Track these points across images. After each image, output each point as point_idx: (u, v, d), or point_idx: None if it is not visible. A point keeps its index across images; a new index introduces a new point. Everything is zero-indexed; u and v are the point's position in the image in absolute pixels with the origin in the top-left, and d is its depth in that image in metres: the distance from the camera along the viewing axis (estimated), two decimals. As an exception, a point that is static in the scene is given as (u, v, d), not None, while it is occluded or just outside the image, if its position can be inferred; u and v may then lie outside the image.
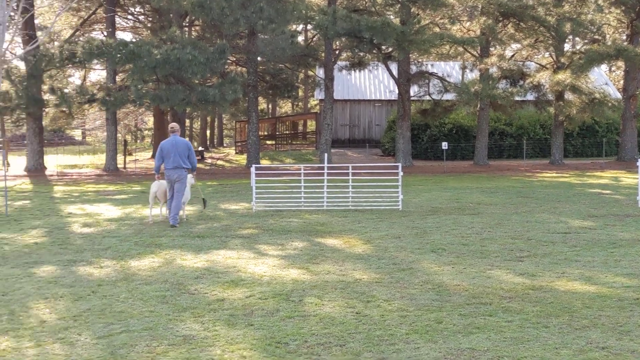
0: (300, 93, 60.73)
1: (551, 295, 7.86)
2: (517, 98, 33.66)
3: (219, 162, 40.54)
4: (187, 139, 38.29)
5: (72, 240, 11.94)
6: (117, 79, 36.20)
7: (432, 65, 39.80)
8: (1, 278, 9.06)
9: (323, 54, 34.83)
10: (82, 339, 6.46)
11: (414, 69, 35.16)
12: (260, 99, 43.58)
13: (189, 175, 14.45)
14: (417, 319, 6.95)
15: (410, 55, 34.80)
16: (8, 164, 24.13)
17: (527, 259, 10.00)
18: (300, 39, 45.83)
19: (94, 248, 11.19)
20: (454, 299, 7.71)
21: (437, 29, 34.93)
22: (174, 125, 14.35)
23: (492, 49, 35.65)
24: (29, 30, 31.67)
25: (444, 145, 31.53)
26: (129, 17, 44.45)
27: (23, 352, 6.09)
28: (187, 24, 38.09)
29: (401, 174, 16.20)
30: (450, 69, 48.15)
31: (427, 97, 35.70)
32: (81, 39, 35.96)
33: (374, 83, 49.54)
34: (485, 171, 31.03)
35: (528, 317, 7.02)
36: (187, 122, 58.31)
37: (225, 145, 65.18)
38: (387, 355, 5.90)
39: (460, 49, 39.69)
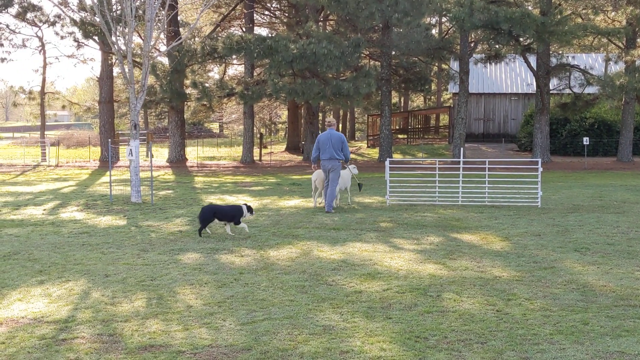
0: (433, 87, 60.09)
1: None
2: (665, 91, 31.85)
3: (352, 156, 40.82)
4: (319, 132, 38.82)
5: (214, 230, 12.36)
6: (255, 73, 37.17)
7: (573, 57, 38.30)
8: (149, 264, 9.52)
9: (458, 47, 34.31)
10: (226, 324, 6.68)
11: (553, 61, 33.99)
12: (393, 92, 43.51)
13: (351, 166, 16.10)
14: (562, 319, 6.72)
15: (550, 47, 33.71)
16: (152, 155, 25.36)
17: (679, 261, 9.45)
18: (435, 31, 45.30)
19: (234, 237, 11.54)
20: (600, 300, 7.40)
21: (579, 20, 33.62)
22: (331, 119, 15.81)
23: (639, 40, 33.88)
24: (173, 27, 33.07)
25: (585, 140, 30.28)
26: (266, 12, 45.51)
27: (172, 335, 6.37)
28: (322, 19, 38.55)
29: (540, 169, 15.72)
30: (593, 61, 46.15)
31: (568, 91, 34.45)
32: (221, 34, 37.18)
33: (510, 76, 48.28)
34: (630, 168, 29.57)
35: (682, 322, 6.64)
36: (320, 115, 59.08)
37: (356, 139, 65.51)
38: (531, 355, 5.74)
39: (604, 40, 38.01)
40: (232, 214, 11.71)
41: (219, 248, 10.56)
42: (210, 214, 11.62)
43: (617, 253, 10.01)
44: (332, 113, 59.59)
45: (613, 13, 35.94)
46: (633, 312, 6.94)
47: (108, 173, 20.67)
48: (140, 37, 30.75)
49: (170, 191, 20.17)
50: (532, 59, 34.17)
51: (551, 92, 34.43)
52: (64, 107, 49.68)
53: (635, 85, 29.35)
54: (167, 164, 34.04)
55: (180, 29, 35.77)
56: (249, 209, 11.91)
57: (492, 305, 7.26)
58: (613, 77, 30.74)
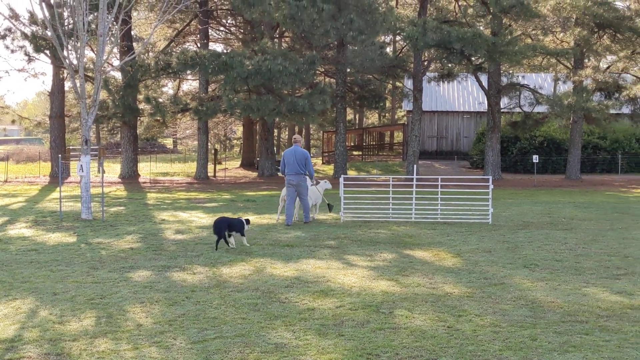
0: (388, 104, 60.59)
1: (651, 315, 7.58)
2: (612, 111, 32.66)
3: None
4: (275, 148, 38.59)
5: (166, 247, 12.26)
6: (210, 89, 37.03)
7: (523, 76, 39.04)
8: (99, 282, 9.39)
9: (412, 65, 34.69)
10: (177, 343, 6.62)
11: (504, 80, 34.60)
12: (347, 109, 43.74)
13: (323, 181, 17.29)
14: (511, 335, 6.82)
15: (501, 66, 34.29)
16: (103, 171, 25.02)
17: (624, 277, 9.68)
18: (389, 49, 45.77)
19: (186, 254, 11.46)
20: (548, 316, 7.53)
21: (529, 40, 34.31)
22: (296, 137, 16.53)
23: (586, 60, 34.71)
24: (127, 42, 32.78)
25: (535, 158, 30.84)
26: (222, 28, 45.42)
27: (121, 355, 6.29)
28: (277, 36, 38.63)
29: (491, 186, 15.96)
30: (542, 81, 47.09)
31: (518, 109, 35.07)
32: (176, 50, 37.01)
33: (462, 94, 49.00)
34: (578, 185, 30.19)
35: (627, 337, 6.79)
36: (275, 131, 59.04)
37: (312, 155, 65.62)
38: (480, 372, 5.81)
39: (553, 60, 38.79)
40: (240, 226, 12.43)
41: (170, 266, 10.47)
42: (225, 225, 12.18)
43: (565, 269, 10.20)
44: (287, 129, 59.65)
45: (562, 34, 36.79)
46: (580, 328, 7.08)
47: (58, 189, 20.33)
48: (93, 52, 30.42)
49: (121, 207, 19.93)
50: (484, 78, 34.74)
51: (502, 110, 35.02)
52: (13, 121, 48.69)
53: (583, 104, 30.00)
54: (119, 179, 33.62)
55: (134, 44, 35.49)
56: (247, 221, 12.70)
57: (443, 321, 7.33)
58: (561, 97, 31.40)
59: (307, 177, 15.81)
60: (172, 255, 11.42)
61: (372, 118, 76.68)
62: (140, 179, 34.11)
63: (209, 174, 35.86)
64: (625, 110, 34.84)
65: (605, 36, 33.67)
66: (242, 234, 12.41)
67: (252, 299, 8.30)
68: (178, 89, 45.46)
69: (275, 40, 37.61)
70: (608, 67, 37.50)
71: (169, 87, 53.07)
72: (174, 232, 14.35)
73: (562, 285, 9.12)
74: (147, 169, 39.36)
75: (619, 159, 36.26)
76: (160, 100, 33.45)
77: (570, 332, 6.96)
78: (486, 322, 7.29)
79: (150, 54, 35.94)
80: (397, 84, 46.70)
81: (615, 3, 36.75)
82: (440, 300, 8.24)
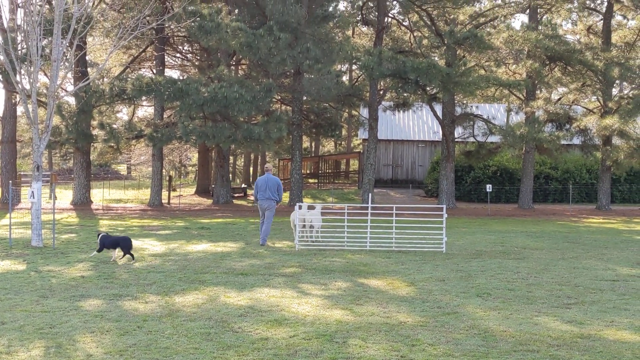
0: (344, 132, 60.97)
1: (600, 344, 7.69)
2: (563, 142, 33.34)
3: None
4: (230, 176, 38.40)
5: (118, 275, 12.07)
6: (165, 115, 36.84)
7: (477, 107, 39.69)
8: (49, 311, 9.18)
9: (368, 94, 35.02)
10: (127, 374, 6.50)
11: (458, 110, 35.15)
12: (304, 137, 43.91)
13: (319, 205, 18.41)
14: (463, 365, 6.84)
15: (455, 96, 34.83)
16: (55, 197, 24.61)
17: (574, 306, 9.81)
18: (346, 78, 46.17)
19: (139, 283, 11.29)
20: (500, 345, 7.58)
21: (482, 71, 34.95)
22: (268, 165, 18.13)
23: (538, 92, 35.47)
24: (81, 67, 32.50)
25: (488, 187, 31.27)
26: (178, 55, 45.38)
27: (70, 385, 6.14)
28: (234, 63, 38.70)
29: (445, 215, 16.10)
30: (495, 111, 47.95)
31: (472, 139, 35.60)
32: (131, 76, 36.78)
33: (417, 124, 49.55)
34: (530, 215, 30.65)
35: (577, 366, 6.87)
36: (231, 158, 58.88)
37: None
38: (433, 401, 5.81)
39: (506, 91, 39.61)
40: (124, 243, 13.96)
41: (122, 294, 10.30)
42: (109, 242, 13.93)
43: (517, 298, 10.30)
44: (243, 157, 59.48)
45: (514, 66, 37.58)
46: (531, 357, 7.15)
47: (8, 215, 19.91)
48: (46, 77, 30.05)
49: (73, 234, 19.59)
50: (438, 108, 35.22)
51: (456, 140, 35.52)
52: (-37, 146, 47.70)
53: (535, 135, 30.58)
54: (71, 206, 33.11)
55: (89, 69, 35.19)
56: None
57: (396, 350, 7.33)
58: (514, 127, 31.97)
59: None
60: (124, 283, 11.24)
61: (328, 146, 77.05)
62: (93, 206, 33.63)
63: (163, 201, 35.54)
64: (576, 141, 35.60)
65: (556, 68, 34.50)
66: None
67: (205, 329, 8.20)
68: (133, 115, 45.14)
69: (232, 67, 37.68)
70: (559, 99, 38.43)
71: (123, 113, 52.76)
72: (126, 260, 14.14)
73: (514, 314, 9.20)
74: (100, 195, 38.83)
75: (570, 189, 36.98)
76: (115, 126, 33.17)
77: (521, 361, 7.01)
78: (439, 352, 7.31)
79: (105, 79, 35.70)
80: (353, 112, 47.10)
81: (566, 37, 37.81)
82: (394, 330, 8.24)
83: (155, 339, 7.71)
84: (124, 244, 13.93)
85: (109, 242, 14.01)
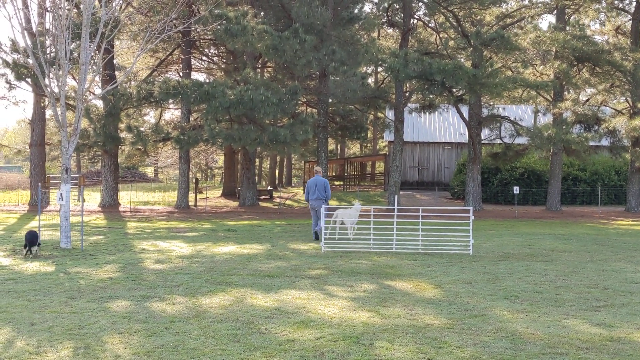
0: (370, 134, 60.89)
1: (630, 347, 7.60)
2: (591, 143, 32.99)
3: (288, 202, 40.83)
4: (256, 178, 38.46)
5: (145, 276, 12.16)
6: (191, 118, 37.04)
7: (503, 108, 39.40)
8: (77, 312, 9.27)
9: (393, 96, 34.93)
10: (155, 374, 6.54)
11: (485, 112, 34.92)
12: (329, 139, 43.93)
13: (357, 202, 19.82)
14: (491, 368, 6.80)
15: (482, 98, 34.60)
16: (83, 199, 24.85)
17: (603, 309, 9.71)
18: (371, 80, 46.11)
19: (166, 284, 11.36)
20: (528, 348, 7.52)
21: (509, 73, 34.68)
22: (317, 168, 19.55)
23: (566, 93, 35.14)
24: (109, 71, 32.80)
25: (515, 189, 31.02)
26: (204, 58, 45.61)
27: (98, 386, 6.20)
28: (260, 66, 38.82)
29: (472, 217, 16.00)
30: (522, 113, 47.57)
31: (499, 141, 35.34)
32: (158, 79, 37.04)
33: (443, 125, 49.34)
34: (558, 217, 30.37)
35: (607, 370, 6.79)
36: (257, 161, 59.04)
37: (293, 185, 65.66)
38: (461, 404, 5.78)
39: (533, 92, 39.27)
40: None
41: (150, 296, 10.37)
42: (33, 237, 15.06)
43: (545, 301, 10.21)
44: (269, 159, 59.66)
45: (542, 67, 37.29)
46: (560, 360, 7.08)
47: (37, 217, 20.16)
48: (75, 80, 30.40)
49: (101, 237, 19.76)
50: (465, 110, 35.04)
51: (483, 141, 35.29)
52: (-7, 149, 48.43)
53: (563, 136, 30.29)
54: (99, 208, 33.41)
55: (116, 73, 35.50)
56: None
57: (423, 353, 7.30)
58: (541, 129, 31.69)
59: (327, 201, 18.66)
60: (151, 285, 11.32)
61: (353, 148, 77.04)
62: (121, 208, 33.91)
63: (189, 203, 35.73)
64: (605, 142, 35.22)
65: (584, 69, 34.15)
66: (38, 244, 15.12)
67: (232, 330, 8.23)
68: (160, 118, 45.42)
69: (258, 70, 37.79)
70: (587, 100, 38.02)
71: (150, 116, 53.10)
72: (153, 261, 14.24)
73: (542, 317, 9.12)
74: (127, 197, 39.15)
75: (599, 191, 36.59)
76: (142, 129, 33.37)
77: (550, 364, 6.95)
78: (466, 354, 7.27)
79: (133, 82, 35.95)
80: (379, 114, 47.05)
81: (594, 37, 37.41)
82: (421, 332, 8.21)
83: (183, 340, 7.76)
84: None
85: None
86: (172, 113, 52.56)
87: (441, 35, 37.74)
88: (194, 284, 11.43)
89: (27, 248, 14.92)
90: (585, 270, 13.45)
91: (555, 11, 35.55)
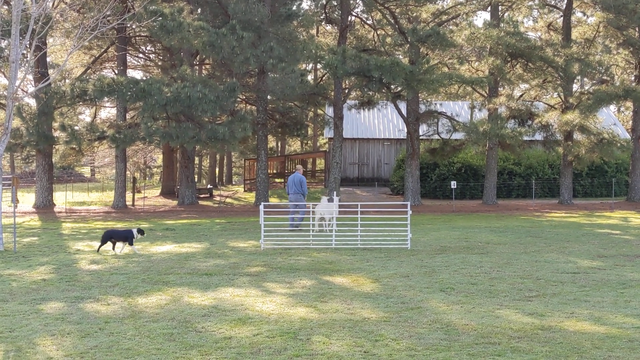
0: (310, 131, 60.95)
1: (560, 335, 7.79)
2: (525, 138, 33.69)
3: (228, 200, 40.61)
4: (196, 177, 38.18)
5: (80, 277, 11.94)
6: (127, 116, 36.49)
7: (440, 104, 39.88)
8: (8, 314, 9.05)
9: (332, 93, 35.04)
10: (88, 376, 6.42)
11: (422, 108, 35.32)
12: (269, 137, 43.78)
13: (337, 198, 20.70)
14: (426, 359, 6.89)
15: (419, 94, 34.98)
16: (17, 201, 24.24)
17: (536, 298, 9.94)
18: (310, 77, 46.12)
19: (101, 285, 11.18)
20: (462, 339, 7.65)
21: (445, 69, 35.19)
22: (298, 166, 22.06)
23: (500, 88, 35.80)
24: (41, 68, 32.05)
25: (453, 184, 31.48)
26: (140, 55, 44.97)
27: (29, 389, 6.06)
28: (197, 63, 38.46)
29: (410, 212, 16.18)
30: (459, 109, 48.31)
31: (436, 136, 35.79)
32: (92, 76, 36.35)
33: (382, 122, 49.72)
34: (494, 210, 30.96)
35: (537, 357, 6.96)
36: (197, 159, 58.53)
37: (234, 183, 65.33)
38: (395, 396, 5.84)
39: (469, 88, 39.89)
40: (125, 236, 15.42)
41: (84, 297, 10.18)
42: (107, 236, 15.33)
43: (479, 292, 10.40)
44: (208, 157, 59.18)
45: (477, 63, 37.90)
46: (493, 350, 7.22)
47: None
48: (5, 78, 29.60)
49: (35, 238, 19.33)
50: (403, 106, 35.37)
51: (421, 137, 35.70)
52: None
53: (497, 131, 30.87)
54: (34, 209, 32.65)
55: (50, 70, 34.70)
56: (140, 231, 15.78)
57: (360, 346, 7.35)
58: (477, 124, 32.25)
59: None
60: (86, 286, 11.12)
61: (294, 145, 77.02)
62: (56, 209, 33.21)
63: (127, 203, 35.22)
64: (538, 137, 36.00)
65: (517, 65, 34.84)
66: (130, 244, 15.33)
67: (168, 329, 8.15)
68: (95, 117, 44.63)
69: (195, 67, 37.45)
70: (521, 96, 38.80)
71: (86, 115, 52.15)
72: (88, 262, 13.99)
73: (476, 307, 9.29)
74: (63, 198, 38.34)
75: (533, 184, 37.40)
76: (76, 127, 32.70)
77: (483, 354, 7.08)
78: (402, 346, 7.35)
79: (67, 80, 35.23)
80: (319, 111, 47.11)
81: (527, 34, 38.25)
82: (358, 326, 8.27)
83: (117, 341, 7.64)
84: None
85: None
86: (108, 111, 51.74)
87: (379, 32, 38.06)
88: (129, 284, 11.27)
89: None
90: (519, 261, 13.75)
91: (489, 8, 36.21)
